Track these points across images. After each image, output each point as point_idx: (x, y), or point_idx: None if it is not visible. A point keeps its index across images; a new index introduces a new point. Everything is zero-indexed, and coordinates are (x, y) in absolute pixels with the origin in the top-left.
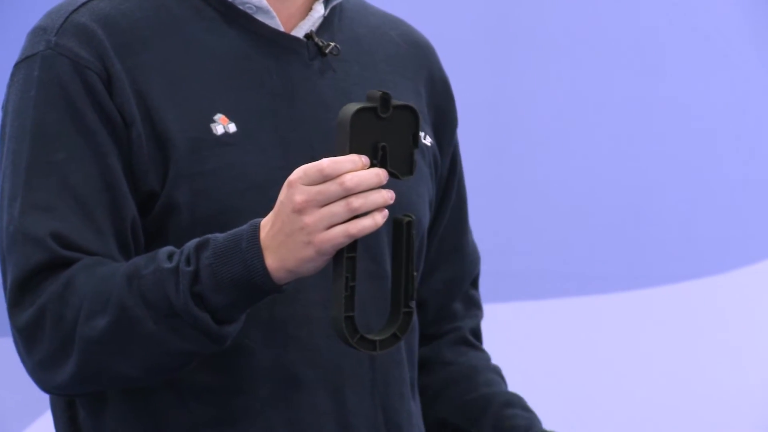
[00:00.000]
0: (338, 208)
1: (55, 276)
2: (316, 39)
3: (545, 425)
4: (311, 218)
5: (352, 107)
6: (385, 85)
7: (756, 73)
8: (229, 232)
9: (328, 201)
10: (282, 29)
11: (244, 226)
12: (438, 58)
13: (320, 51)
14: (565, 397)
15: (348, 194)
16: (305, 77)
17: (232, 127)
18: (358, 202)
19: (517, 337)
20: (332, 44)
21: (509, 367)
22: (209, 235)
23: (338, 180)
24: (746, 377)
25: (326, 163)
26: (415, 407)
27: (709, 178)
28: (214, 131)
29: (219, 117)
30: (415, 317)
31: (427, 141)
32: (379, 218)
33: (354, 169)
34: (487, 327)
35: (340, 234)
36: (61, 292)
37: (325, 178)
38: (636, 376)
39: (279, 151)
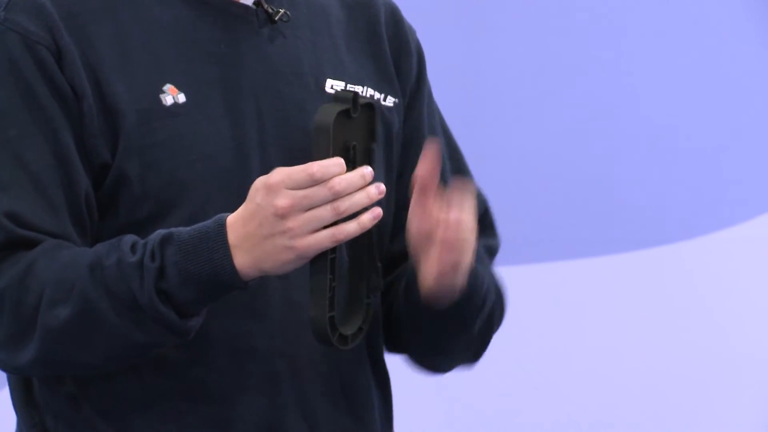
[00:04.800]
0: (324, 213)
1: (13, 256)
2: (266, 6)
3: (515, 391)
4: (295, 223)
5: (331, 111)
6: (338, 50)
7: (727, 38)
8: (193, 227)
9: (314, 205)
10: None
11: (209, 222)
12: (392, 11)
13: (270, 18)
14: (533, 363)
15: (335, 198)
16: (254, 45)
17: (181, 98)
18: (344, 206)
19: None
20: (282, 11)
21: None
22: (173, 230)
23: (328, 184)
24: (716, 340)
25: (316, 168)
26: (376, 375)
27: (678, 143)
28: (164, 102)
29: (168, 87)
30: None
31: (389, 102)
32: (365, 221)
33: (341, 173)
34: None
35: (325, 239)
36: (22, 276)
37: (314, 183)
38: (604, 342)
39: (229, 121)
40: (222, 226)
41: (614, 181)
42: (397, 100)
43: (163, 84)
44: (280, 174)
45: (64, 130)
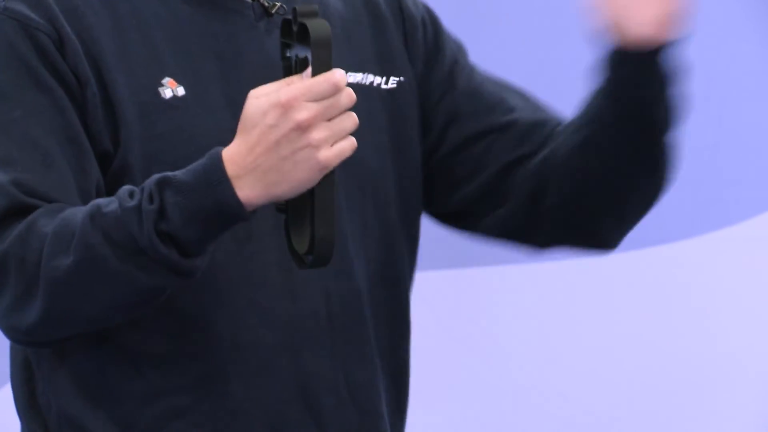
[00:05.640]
0: (348, 120)
1: (19, 222)
2: (262, 0)
3: (512, 389)
4: (320, 134)
5: (322, 26)
6: (335, 39)
7: (726, 37)
8: (188, 167)
9: (335, 114)
10: None
11: (203, 159)
12: None
13: (266, 12)
14: (531, 364)
15: (351, 104)
16: (251, 38)
17: (180, 91)
18: (354, 114)
19: (489, 301)
20: (278, 4)
21: (482, 332)
22: (167, 173)
23: (346, 91)
24: (716, 340)
25: (339, 76)
26: (385, 367)
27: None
28: (163, 95)
29: (167, 80)
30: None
31: (391, 84)
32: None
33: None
34: (459, 291)
35: (347, 147)
36: (24, 235)
37: (338, 91)
38: (603, 342)
39: (228, 114)
40: (218, 160)
41: None
42: (400, 79)
43: (162, 77)
44: (294, 89)
45: (71, 111)
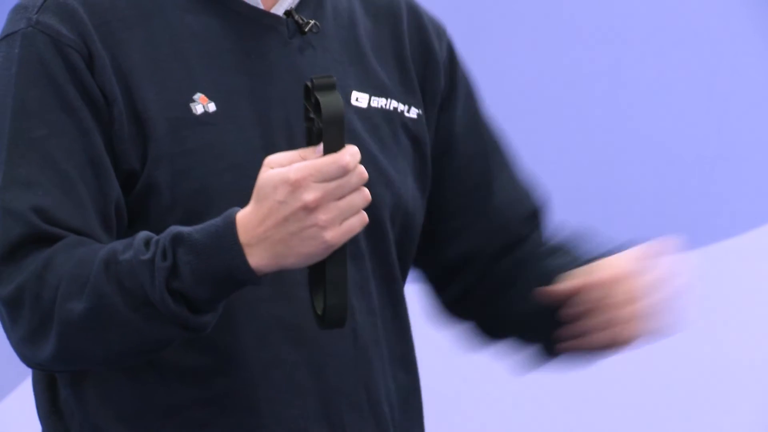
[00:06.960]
0: (358, 200)
1: (37, 251)
2: (296, 16)
3: (517, 398)
4: (328, 215)
5: (336, 101)
6: (364, 61)
7: (727, 45)
8: (203, 225)
9: (344, 194)
10: (261, 7)
11: (219, 220)
12: (414, 16)
13: (300, 29)
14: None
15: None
16: (284, 56)
17: (211, 107)
18: (366, 191)
19: None
20: (312, 22)
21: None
22: (183, 229)
23: (357, 171)
24: (719, 348)
25: (348, 158)
26: (403, 381)
27: (678, 154)
28: (194, 111)
29: (198, 96)
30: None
31: (412, 114)
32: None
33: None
34: None
35: (357, 225)
36: (41, 271)
37: (347, 173)
38: None
39: (259, 131)
40: (232, 224)
41: (615, 188)
42: (420, 112)
43: (194, 93)
44: (304, 168)
45: (94, 132)
